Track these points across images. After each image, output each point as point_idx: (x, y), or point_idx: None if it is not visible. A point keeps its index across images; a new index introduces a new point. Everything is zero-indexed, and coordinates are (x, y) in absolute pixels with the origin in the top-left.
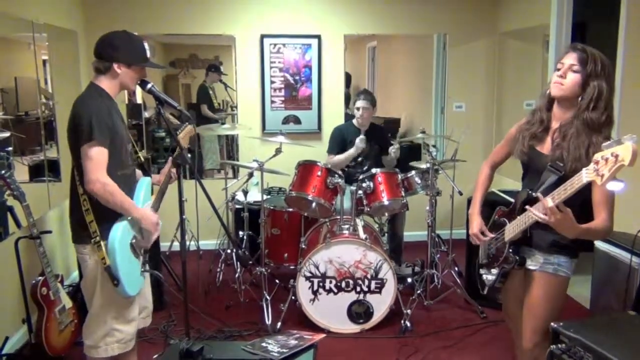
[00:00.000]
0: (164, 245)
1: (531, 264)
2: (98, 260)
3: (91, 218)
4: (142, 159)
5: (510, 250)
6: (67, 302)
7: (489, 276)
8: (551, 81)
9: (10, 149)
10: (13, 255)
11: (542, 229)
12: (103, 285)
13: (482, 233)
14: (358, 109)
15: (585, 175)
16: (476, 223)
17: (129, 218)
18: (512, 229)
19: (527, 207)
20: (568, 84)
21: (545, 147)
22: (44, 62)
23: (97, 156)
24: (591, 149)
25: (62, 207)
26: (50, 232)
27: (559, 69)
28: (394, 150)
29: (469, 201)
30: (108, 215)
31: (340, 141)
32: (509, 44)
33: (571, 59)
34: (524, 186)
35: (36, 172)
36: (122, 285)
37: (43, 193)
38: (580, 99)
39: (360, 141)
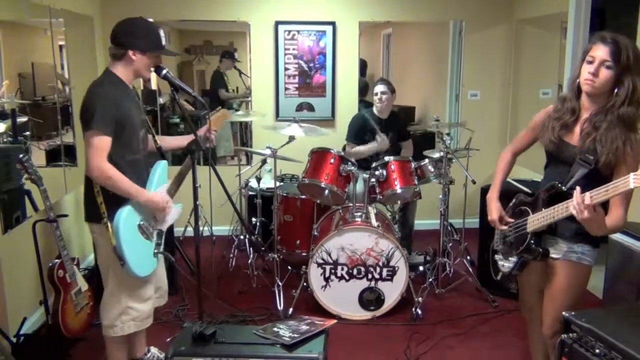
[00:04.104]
0: (178, 231)
1: (554, 253)
2: (107, 240)
3: (101, 199)
4: (159, 143)
5: (533, 242)
6: (83, 285)
7: (506, 263)
8: (580, 74)
9: (28, 133)
10: (30, 238)
11: (566, 218)
12: (115, 264)
13: (501, 219)
14: (376, 94)
15: (633, 181)
16: (495, 208)
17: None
18: (538, 220)
19: (573, 196)
20: (601, 81)
21: (574, 138)
22: (61, 47)
23: (98, 143)
24: (628, 144)
25: (78, 191)
26: (66, 215)
27: (589, 62)
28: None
29: (482, 190)
30: (117, 198)
31: (358, 130)
32: (526, 31)
33: (603, 53)
34: (546, 175)
35: (53, 157)
36: (128, 265)
37: (59, 177)
38: (614, 94)
39: (382, 141)
